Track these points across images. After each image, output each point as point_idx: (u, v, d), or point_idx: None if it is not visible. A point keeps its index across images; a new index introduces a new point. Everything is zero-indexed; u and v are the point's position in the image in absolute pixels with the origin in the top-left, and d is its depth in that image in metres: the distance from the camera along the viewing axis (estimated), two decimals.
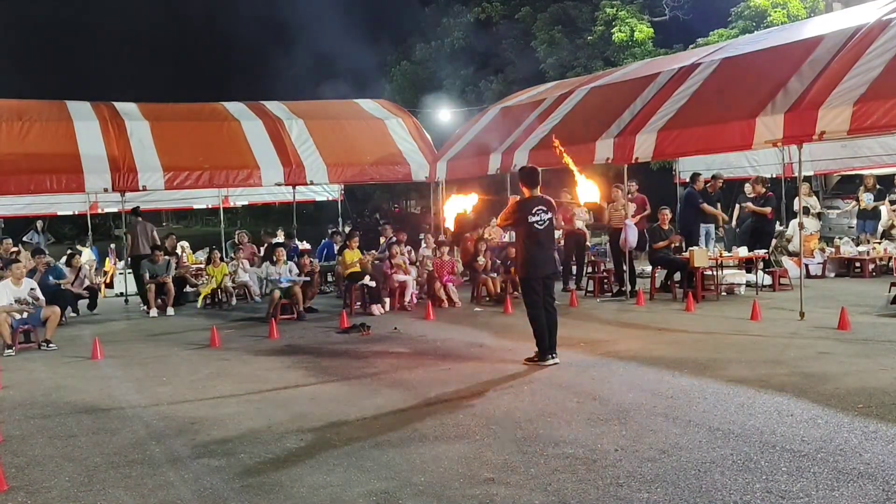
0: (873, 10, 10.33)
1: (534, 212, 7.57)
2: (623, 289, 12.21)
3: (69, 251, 14.45)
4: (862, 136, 11.86)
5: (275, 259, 12.48)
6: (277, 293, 11.58)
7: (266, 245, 16.15)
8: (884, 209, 14.84)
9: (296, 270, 12.39)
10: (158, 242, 13.92)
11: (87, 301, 13.37)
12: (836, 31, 10.04)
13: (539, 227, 7.58)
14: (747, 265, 12.60)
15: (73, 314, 12.75)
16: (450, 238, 13.49)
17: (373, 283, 12.02)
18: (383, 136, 16.85)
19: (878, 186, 15.23)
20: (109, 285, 16.35)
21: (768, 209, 13.03)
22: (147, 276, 12.93)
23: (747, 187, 14.45)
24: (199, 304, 13.47)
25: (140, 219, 14.11)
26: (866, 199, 15.17)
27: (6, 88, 22.44)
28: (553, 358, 7.49)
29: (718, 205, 13.52)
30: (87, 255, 15.38)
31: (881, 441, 4.82)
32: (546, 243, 7.69)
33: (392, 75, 33.89)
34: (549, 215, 7.67)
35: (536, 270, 7.64)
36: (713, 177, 13.52)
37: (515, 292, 11.90)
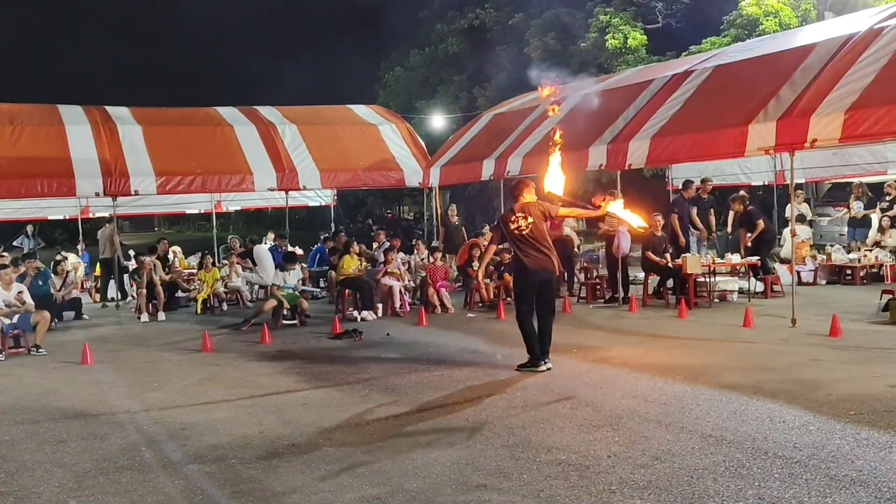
0: (865, 18, 10.41)
1: (511, 220, 7.60)
2: (616, 295, 12.21)
3: (57, 257, 14.34)
4: (853, 145, 11.95)
5: (287, 267, 12.09)
6: (274, 301, 11.40)
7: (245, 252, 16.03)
8: (874, 217, 14.93)
9: (300, 276, 12.25)
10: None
11: (72, 313, 13.08)
12: (827, 40, 10.09)
13: (518, 233, 7.56)
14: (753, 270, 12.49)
15: (56, 321, 12.53)
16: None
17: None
18: (376, 142, 16.84)
19: (868, 194, 15.32)
20: (100, 290, 16.21)
21: (758, 230, 12.69)
22: (141, 280, 12.84)
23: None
24: (198, 310, 13.33)
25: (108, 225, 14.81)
26: (856, 207, 15.27)
27: None
28: (546, 364, 7.49)
29: (711, 210, 13.58)
30: (72, 259, 15.24)
31: (873, 448, 4.83)
32: (530, 249, 7.56)
33: (385, 81, 33.95)
34: (531, 219, 7.55)
35: (526, 278, 7.63)
36: (702, 181, 13.55)
37: (508, 298, 11.90)
